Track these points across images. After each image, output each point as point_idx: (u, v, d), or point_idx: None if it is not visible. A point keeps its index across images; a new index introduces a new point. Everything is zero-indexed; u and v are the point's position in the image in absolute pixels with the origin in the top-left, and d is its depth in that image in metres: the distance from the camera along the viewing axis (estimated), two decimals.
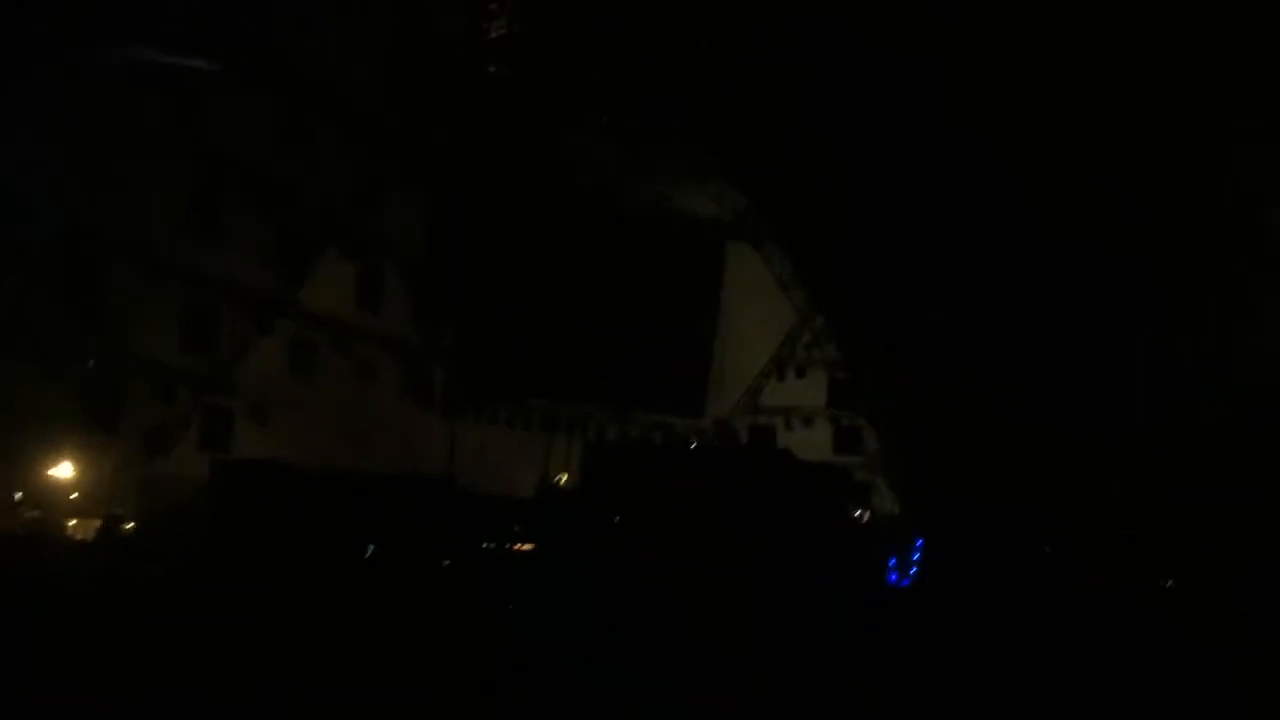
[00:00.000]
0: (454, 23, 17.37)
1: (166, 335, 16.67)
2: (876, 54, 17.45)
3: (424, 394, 19.54)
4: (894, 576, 13.88)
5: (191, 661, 9.13)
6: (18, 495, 15.70)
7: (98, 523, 14.85)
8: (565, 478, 19.24)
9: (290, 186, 17.06)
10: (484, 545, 15.22)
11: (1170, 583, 13.91)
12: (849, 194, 19.70)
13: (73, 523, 15.48)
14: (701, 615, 11.61)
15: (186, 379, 17.18)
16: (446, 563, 13.85)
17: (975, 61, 16.85)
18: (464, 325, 19.59)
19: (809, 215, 21.14)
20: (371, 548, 13.40)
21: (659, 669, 9.48)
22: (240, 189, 16.40)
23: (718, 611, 11.92)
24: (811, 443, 21.46)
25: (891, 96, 17.69)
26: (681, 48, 18.86)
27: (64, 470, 16.26)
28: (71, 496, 16.24)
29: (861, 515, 20.25)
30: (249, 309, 17.35)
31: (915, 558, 13.93)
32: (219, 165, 16.12)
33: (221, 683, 8.82)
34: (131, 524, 15.44)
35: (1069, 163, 17.18)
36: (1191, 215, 16.73)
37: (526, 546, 15.55)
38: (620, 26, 18.65)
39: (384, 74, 16.95)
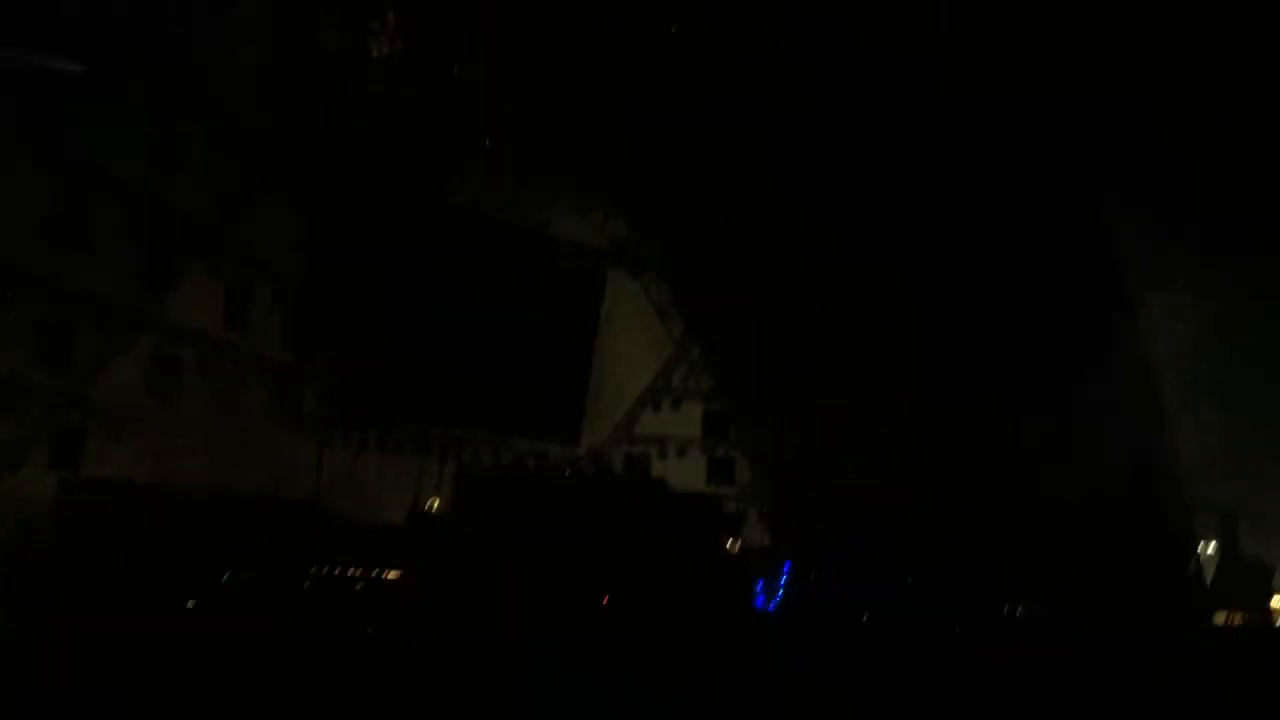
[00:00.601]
0: (335, 38, 17.11)
1: (17, 348, 15.92)
2: (753, 85, 17.76)
3: (292, 415, 19.08)
4: (760, 600, 14.01)
5: (39, 689, 8.77)
6: None
7: None
8: (436, 503, 18.99)
9: (158, 199, 16.53)
10: (349, 571, 14.91)
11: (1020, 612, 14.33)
12: (728, 224, 19.98)
13: None
14: (570, 642, 11.56)
15: (38, 394, 16.42)
16: (307, 585, 13.49)
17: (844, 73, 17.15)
18: (336, 346, 19.18)
19: (688, 245, 21.40)
20: (228, 573, 12.97)
21: (526, 695, 9.40)
22: (105, 200, 15.81)
23: (586, 638, 11.88)
24: (685, 473, 21.62)
25: (768, 128, 18.02)
26: (565, 73, 18.95)
27: None
28: None
29: (732, 544, 20.40)
30: (108, 323, 16.70)
31: (782, 583, 14.09)
32: (82, 175, 15.52)
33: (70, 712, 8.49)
34: None
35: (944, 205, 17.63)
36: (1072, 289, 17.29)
37: (394, 573, 15.28)
38: (506, 51, 18.66)
39: (260, 86, 16.59)
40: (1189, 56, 16.02)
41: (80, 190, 15.43)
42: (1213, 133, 16.55)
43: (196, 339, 17.67)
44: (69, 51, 13.97)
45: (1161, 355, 18.16)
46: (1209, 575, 19.00)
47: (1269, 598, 18.06)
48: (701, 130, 18.89)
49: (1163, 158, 16.68)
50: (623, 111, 19.23)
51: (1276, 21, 15.55)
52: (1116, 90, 16.09)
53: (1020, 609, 14.73)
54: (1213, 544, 19.45)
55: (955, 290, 18.03)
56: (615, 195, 21.78)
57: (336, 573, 14.85)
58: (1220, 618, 16.78)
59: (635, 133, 19.58)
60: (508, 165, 20.25)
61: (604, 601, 11.45)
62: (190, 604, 12.72)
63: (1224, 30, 15.81)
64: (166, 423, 17.35)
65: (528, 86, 19.01)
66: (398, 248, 19.01)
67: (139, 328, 17.12)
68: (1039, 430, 17.33)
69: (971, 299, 17.95)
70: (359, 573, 15.13)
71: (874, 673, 9.90)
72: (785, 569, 14.26)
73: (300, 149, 17.92)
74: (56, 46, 13.89)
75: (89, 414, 16.94)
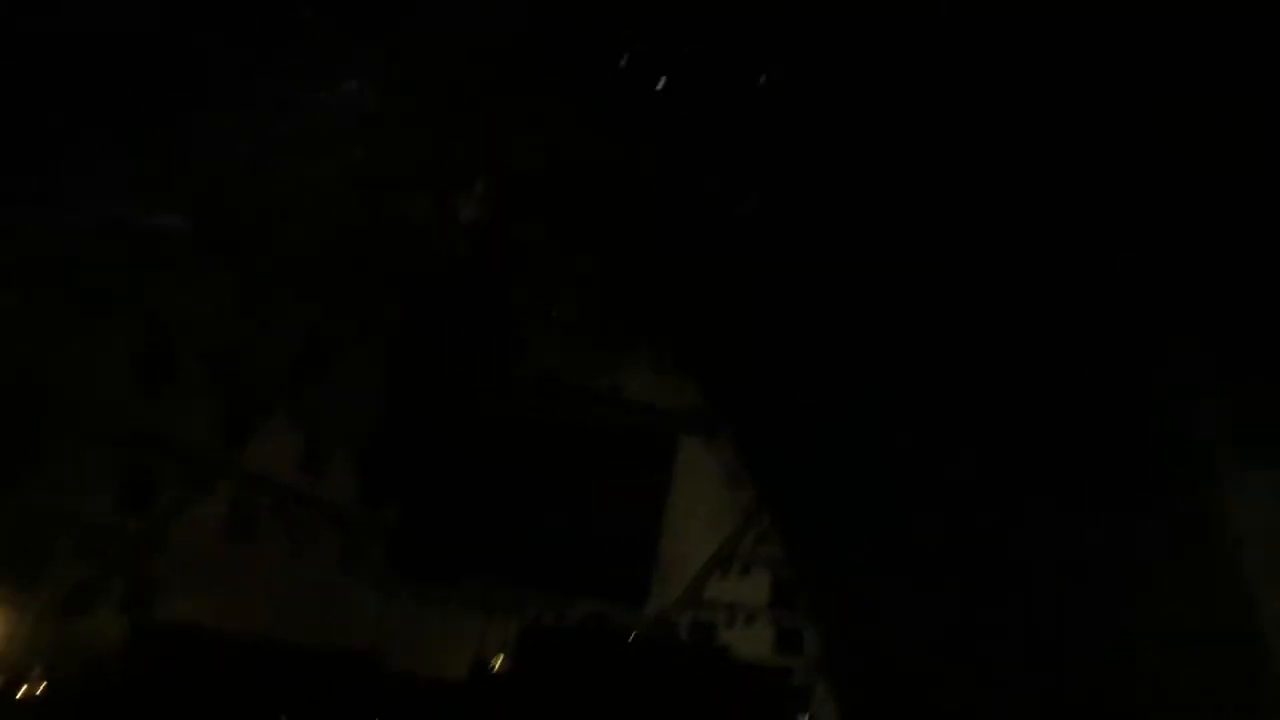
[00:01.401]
0: (421, 202, 17.95)
1: (101, 492, 16.51)
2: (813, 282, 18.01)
3: (359, 566, 19.30)
4: None
5: None
6: None
7: (3, 679, 14.36)
8: (499, 662, 18.88)
9: (241, 350, 17.27)
10: None
11: None
12: (803, 396, 20.07)
13: None
14: None
15: (117, 537, 16.91)
16: None
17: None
18: (406, 500, 19.50)
19: (762, 414, 21.48)
20: None
21: None
22: (188, 349, 16.57)
23: None
24: (752, 641, 21.19)
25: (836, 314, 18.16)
26: (645, 250, 19.53)
27: None
28: None
29: (799, 718, 19.84)
30: (189, 469, 17.26)
31: None
32: (169, 324, 16.34)
33: None
34: (43, 684, 14.98)
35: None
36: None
37: None
38: (587, 226, 19.35)
39: (344, 245, 17.41)
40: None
41: (167, 338, 16.21)
42: None
43: (273, 486, 18.13)
44: (165, 204, 14.89)
45: None
46: None
47: None
48: (777, 293, 19.19)
49: None
50: (700, 286, 19.68)
51: None
52: None
53: None
54: None
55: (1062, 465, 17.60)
56: (689, 362, 22.12)
57: None
58: None
59: (712, 305, 19.97)
60: (584, 329, 20.76)
61: None
62: None
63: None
64: (238, 568, 17.70)
65: (601, 248, 19.63)
66: (469, 408, 19.46)
67: (219, 474, 17.65)
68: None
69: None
70: None
71: None
72: None
73: (381, 306, 18.65)
74: (155, 202, 14.82)
75: (164, 558, 17.37)
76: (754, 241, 18.27)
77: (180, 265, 16.01)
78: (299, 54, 14.65)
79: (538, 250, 18.91)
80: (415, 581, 19.59)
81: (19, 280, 14.02)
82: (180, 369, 16.31)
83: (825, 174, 16.50)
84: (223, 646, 15.75)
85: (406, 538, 19.58)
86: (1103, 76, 14.70)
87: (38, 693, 15.03)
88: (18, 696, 14.90)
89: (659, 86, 15.83)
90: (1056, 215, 15.88)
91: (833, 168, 16.27)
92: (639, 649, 20.25)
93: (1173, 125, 14.66)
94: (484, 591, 20.16)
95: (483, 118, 16.30)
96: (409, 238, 17.96)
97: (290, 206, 16.32)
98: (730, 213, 17.48)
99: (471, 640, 19.15)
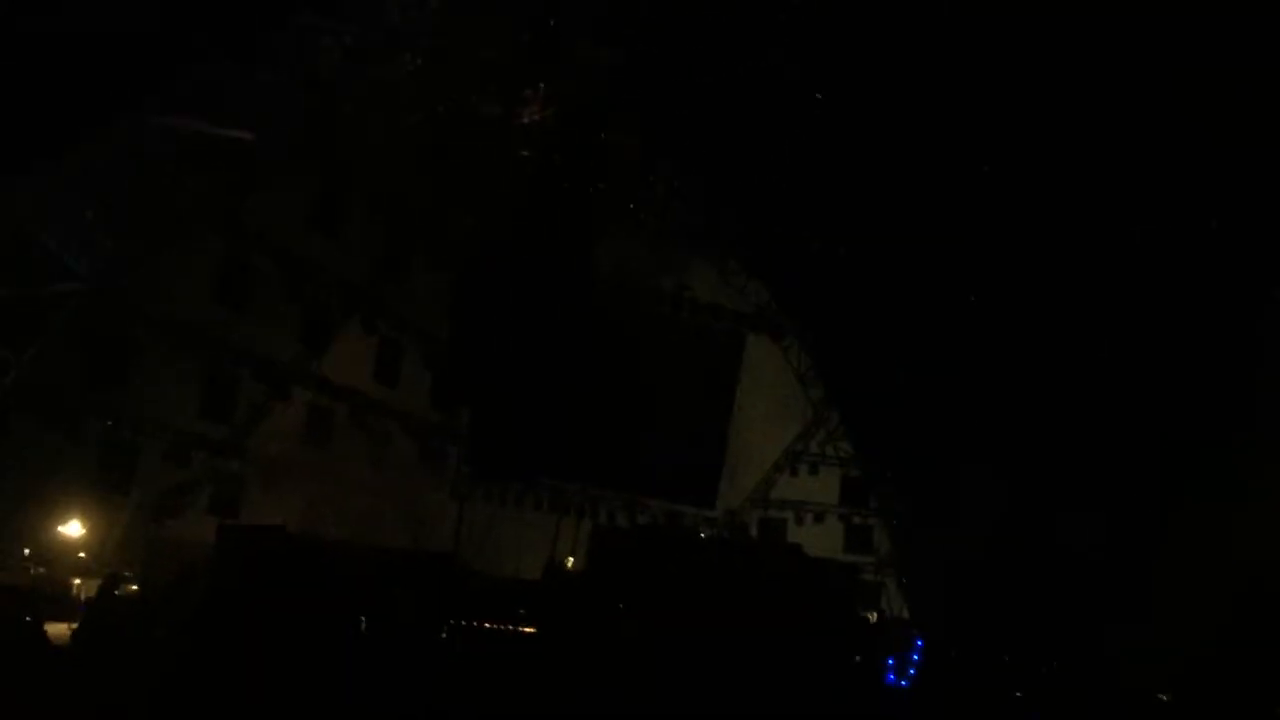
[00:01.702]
0: (489, 107, 17.77)
1: (186, 400, 16.88)
2: (901, 159, 17.64)
3: (435, 469, 19.66)
4: (891, 677, 13.69)
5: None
6: (26, 551, 15.81)
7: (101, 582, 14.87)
8: (572, 561, 19.19)
9: (316, 260, 17.39)
10: (486, 625, 15.12)
11: None
12: (871, 292, 19.85)
13: (77, 581, 15.55)
14: (702, 707, 11.52)
15: (202, 443, 17.34)
16: (444, 637, 13.75)
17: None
18: (480, 404, 19.72)
19: (830, 311, 21.33)
20: (364, 620, 13.32)
21: None
22: (268, 260, 16.72)
23: (718, 703, 11.82)
24: (822, 539, 21.37)
25: (921, 197, 17.83)
26: (711, 148, 19.22)
27: (73, 529, 16.38)
28: (79, 555, 16.32)
29: (868, 614, 20.03)
30: (269, 377, 17.56)
31: (915, 659, 13.74)
32: (250, 238, 16.47)
33: None
34: (135, 585, 15.46)
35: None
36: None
37: (529, 629, 15.44)
38: (655, 125, 19.06)
39: (415, 154, 17.33)
40: None
41: (247, 254, 16.36)
42: None
43: (349, 394, 18.41)
44: (247, 123, 14.87)
45: None
46: None
47: None
48: (844, 193, 18.87)
49: None
50: (764, 176, 19.38)
51: None
52: None
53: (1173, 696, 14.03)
54: None
55: (1114, 360, 17.37)
56: (758, 260, 21.94)
57: (473, 625, 15.07)
58: None
59: (779, 202, 19.70)
60: (650, 229, 20.60)
61: None
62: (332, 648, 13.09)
63: None
64: (318, 473, 18.10)
65: (672, 152, 19.36)
66: (542, 310, 19.47)
67: (296, 382, 17.94)
68: (1203, 513, 16.47)
69: (1132, 365, 17.22)
70: (495, 625, 15.32)
71: None
72: (918, 645, 13.89)
73: (451, 213, 18.61)
74: (236, 120, 14.80)
75: (247, 462, 17.81)
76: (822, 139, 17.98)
77: (257, 179, 16.06)
78: None
79: (612, 151, 18.66)
80: (490, 484, 19.97)
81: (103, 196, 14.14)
82: (259, 281, 16.48)
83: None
84: (305, 548, 16.07)
85: (480, 441, 19.88)
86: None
87: (132, 591, 15.57)
88: (115, 594, 15.43)
89: None
90: None
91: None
92: (709, 548, 20.48)
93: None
94: (557, 492, 20.50)
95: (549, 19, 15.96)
96: (479, 143, 17.82)
97: (362, 116, 16.22)
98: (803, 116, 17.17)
99: (545, 540, 19.47)
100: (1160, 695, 14.11)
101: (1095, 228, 16.25)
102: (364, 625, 12.98)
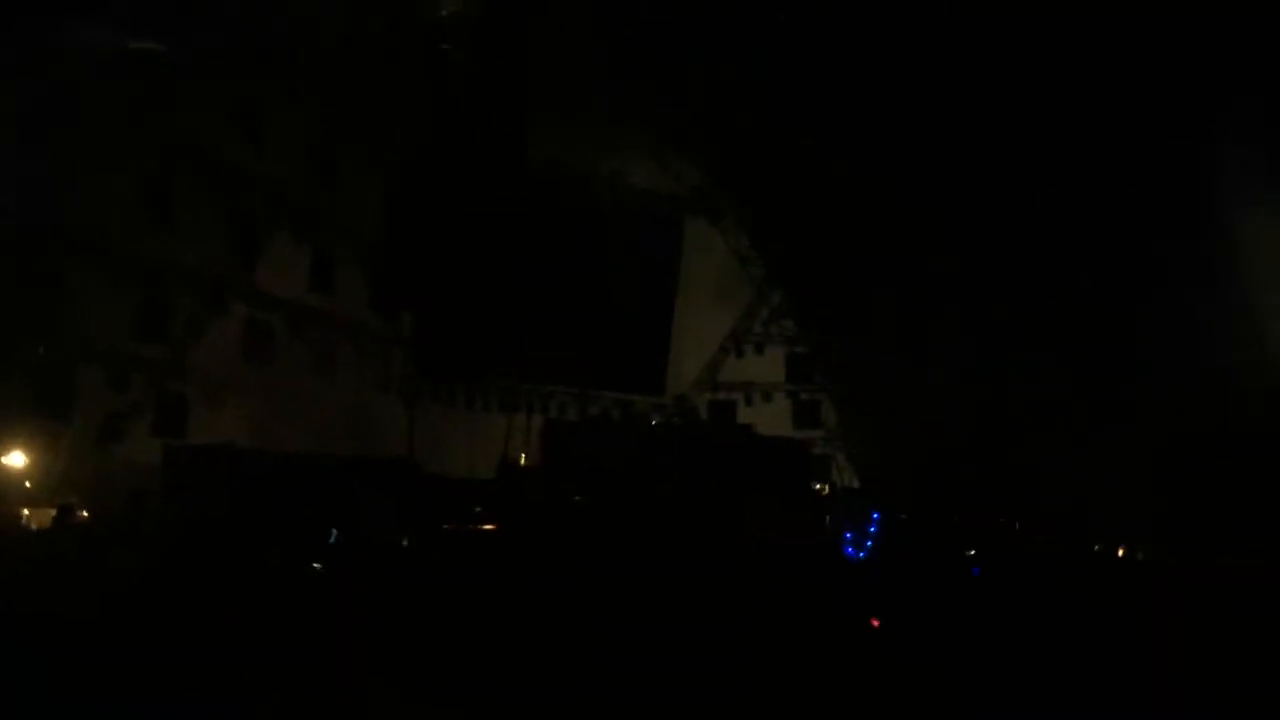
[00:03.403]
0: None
1: (120, 322, 16.48)
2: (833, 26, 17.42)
3: (382, 375, 19.48)
4: (850, 550, 14.03)
5: (157, 652, 9.09)
6: None
7: (52, 511, 14.66)
8: (525, 457, 19.27)
9: (241, 170, 16.89)
10: (444, 527, 15.20)
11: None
12: (806, 166, 19.76)
13: (26, 511, 15.30)
14: (662, 592, 11.68)
15: (140, 365, 16.99)
16: (405, 544, 13.81)
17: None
18: (421, 306, 19.48)
19: (767, 188, 21.21)
20: (335, 533, 13.33)
21: (621, 648, 9.54)
22: (192, 174, 16.22)
23: (678, 588, 12.00)
24: (771, 417, 21.62)
25: (851, 68, 17.67)
26: (637, 24, 18.82)
27: (15, 459, 16.06)
28: (25, 485, 16.04)
29: (821, 488, 20.42)
30: (202, 292, 17.18)
31: (872, 531, 14.08)
32: (170, 148, 15.92)
33: (189, 673, 8.77)
34: (85, 512, 15.27)
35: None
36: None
37: (488, 527, 15.54)
38: (577, 5, 18.58)
39: (338, 54, 16.76)
40: None
41: (170, 168, 15.83)
42: None
43: (286, 305, 18.08)
44: (159, 29, 14.26)
45: None
46: None
47: None
48: (773, 71, 18.63)
49: None
50: (693, 56, 19.06)
51: None
52: None
53: (1127, 548, 14.56)
54: None
55: (1051, 217, 17.53)
56: (690, 142, 21.67)
57: (432, 528, 15.14)
58: None
59: (708, 78, 19.41)
60: (582, 116, 20.20)
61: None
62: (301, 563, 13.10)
63: None
64: (261, 387, 17.86)
65: (600, 38, 18.91)
66: (477, 206, 19.14)
67: (231, 296, 17.57)
68: (1142, 364, 16.86)
69: (1068, 224, 17.40)
70: (453, 527, 15.40)
71: (969, 621, 9.90)
72: (874, 518, 14.22)
73: (377, 113, 18.10)
74: (141, 29, 14.18)
75: (189, 381, 17.51)
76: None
77: (176, 91, 15.44)
78: None
79: (536, 40, 18.19)
80: (437, 386, 19.85)
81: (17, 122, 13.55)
82: (184, 195, 15.99)
83: None
84: (255, 463, 15.96)
85: (425, 344, 19.69)
86: None
87: (83, 518, 15.40)
88: (67, 522, 15.25)
89: None
90: None
91: None
92: (661, 432, 20.69)
93: None
94: (506, 391, 20.45)
95: None
96: (401, 38, 17.27)
97: (280, 17, 15.61)
98: None
99: (497, 439, 19.52)
100: (1117, 549, 14.60)
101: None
102: (334, 537, 12.97)
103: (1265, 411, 15.25)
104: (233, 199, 16.89)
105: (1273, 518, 14.15)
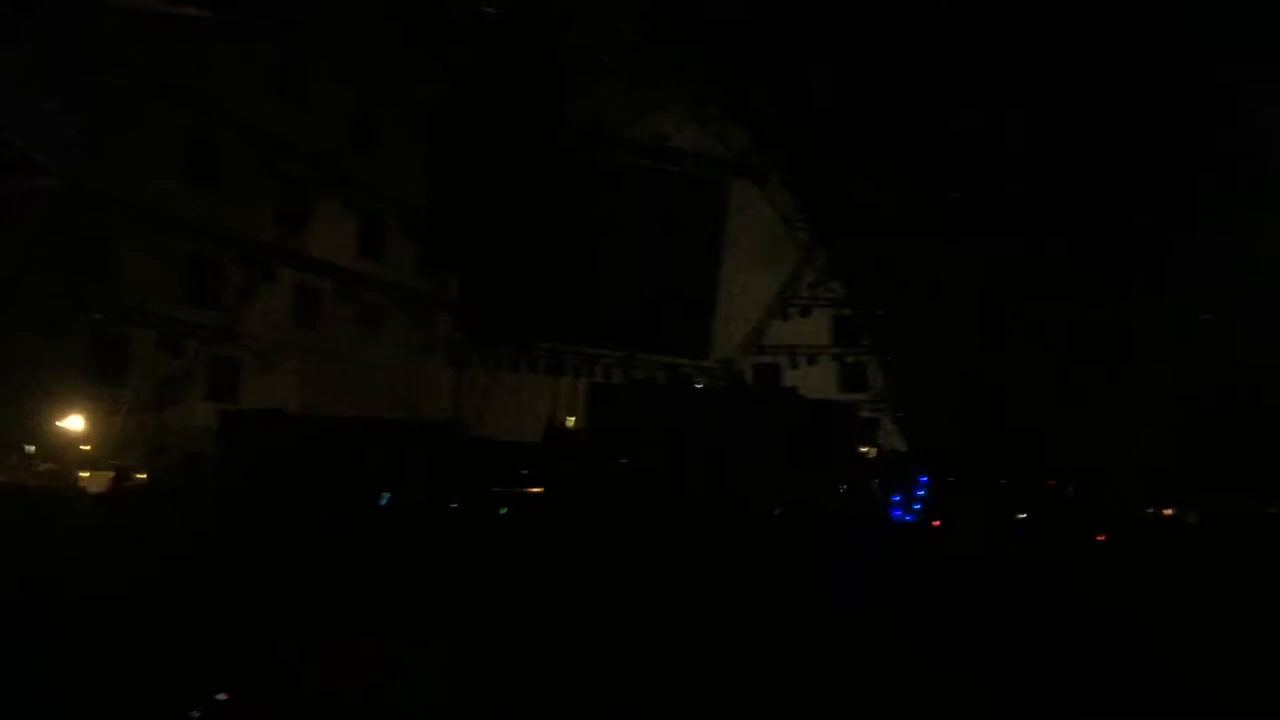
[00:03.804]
0: None
1: (170, 288, 16.70)
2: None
3: (428, 339, 19.62)
4: (898, 513, 14.00)
5: (214, 614, 9.25)
6: (30, 448, 15.82)
7: (109, 474, 14.94)
8: (572, 420, 19.33)
9: (287, 136, 16.99)
10: (493, 489, 15.31)
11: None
12: (854, 129, 19.56)
13: (85, 475, 15.60)
14: (711, 555, 11.73)
15: (193, 330, 17.22)
16: (454, 506, 13.94)
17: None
18: (467, 271, 19.57)
19: (813, 150, 21.02)
20: (387, 495, 13.48)
21: (667, 613, 9.59)
22: (235, 140, 16.34)
23: (727, 551, 12.03)
24: (817, 380, 21.55)
25: (900, 35, 17.46)
26: None
27: (74, 423, 16.36)
28: (83, 448, 16.35)
29: (868, 451, 20.33)
30: (251, 259, 17.35)
31: (919, 494, 14.04)
32: (216, 116, 16.04)
33: (244, 634, 8.92)
34: (143, 475, 15.54)
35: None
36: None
37: (536, 490, 15.64)
38: None
39: (379, 17, 16.77)
40: None
41: (214, 132, 15.95)
42: None
43: (334, 271, 18.23)
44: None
45: None
46: None
47: None
48: (820, 35, 18.43)
49: None
50: (738, 19, 18.87)
51: None
52: None
53: (1163, 510, 14.43)
54: None
55: (1080, 185, 17.37)
56: (734, 103, 21.50)
57: (480, 490, 15.26)
58: None
59: (752, 40, 19.22)
60: (624, 79, 20.12)
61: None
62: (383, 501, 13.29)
63: None
64: (311, 352, 18.05)
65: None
66: (521, 170, 19.14)
67: (280, 261, 17.73)
68: (1171, 325, 16.71)
69: (1096, 194, 17.26)
70: (502, 490, 15.51)
71: (1015, 581, 9.86)
72: (921, 481, 14.16)
73: (421, 78, 18.12)
74: None
75: (240, 346, 17.73)
76: None
77: (216, 52, 15.51)
78: None
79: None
80: (484, 350, 19.96)
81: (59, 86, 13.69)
82: (230, 160, 16.12)
83: None
84: (307, 427, 16.15)
85: (471, 307, 19.79)
86: None
87: (140, 480, 15.67)
88: (125, 485, 15.52)
89: None
90: None
91: None
92: (707, 396, 20.66)
93: None
94: (552, 354, 20.53)
95: None
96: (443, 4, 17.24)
97: None
98: None
99: (544, 403, 19.60)
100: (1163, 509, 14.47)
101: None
102: (384, 501, 13.11)
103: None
104: (279, 165, 17.01)
105: None
